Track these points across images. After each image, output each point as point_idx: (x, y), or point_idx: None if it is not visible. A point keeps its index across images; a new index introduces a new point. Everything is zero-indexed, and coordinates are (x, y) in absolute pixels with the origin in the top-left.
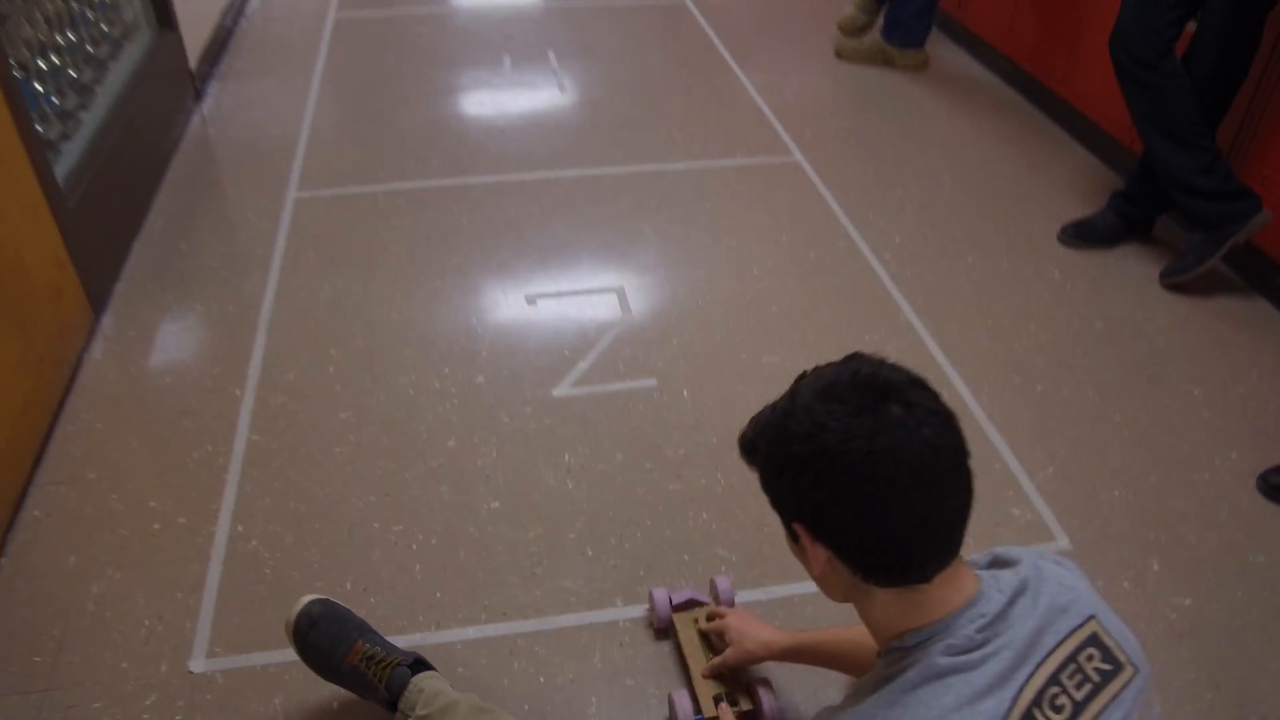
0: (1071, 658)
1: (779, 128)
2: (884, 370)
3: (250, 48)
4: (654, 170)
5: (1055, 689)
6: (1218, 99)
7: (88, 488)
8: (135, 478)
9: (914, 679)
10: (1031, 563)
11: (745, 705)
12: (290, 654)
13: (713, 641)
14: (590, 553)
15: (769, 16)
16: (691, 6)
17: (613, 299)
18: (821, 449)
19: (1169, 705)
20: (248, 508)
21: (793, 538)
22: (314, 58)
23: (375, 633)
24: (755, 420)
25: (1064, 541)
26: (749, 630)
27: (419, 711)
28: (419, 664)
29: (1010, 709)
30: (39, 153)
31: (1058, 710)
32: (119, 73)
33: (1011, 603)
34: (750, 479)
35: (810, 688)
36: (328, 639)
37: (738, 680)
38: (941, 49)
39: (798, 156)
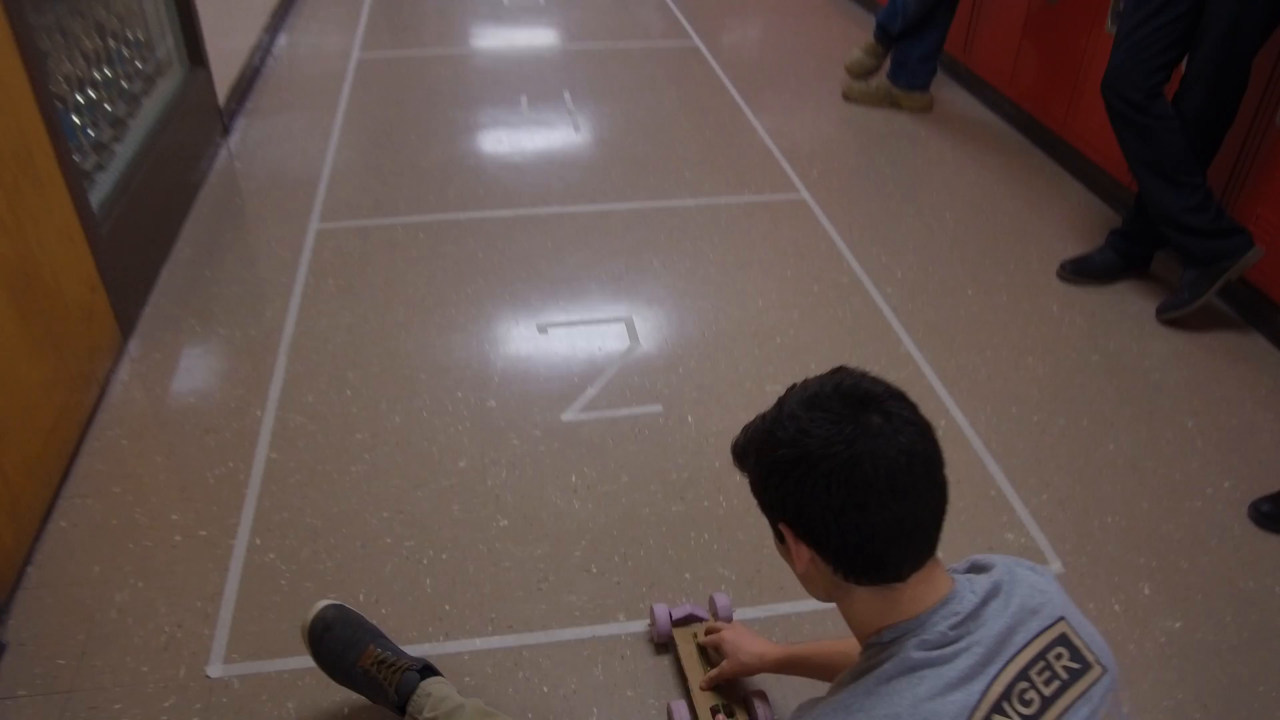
0: (1041, 655)
1: (787, 167)
2: (865, 382)
3: (276, 86)
4: (664, 206)
5: (1024, 684)
6: (1208, 139)
7: (113, 501)
8: (158, 492)
9: (890, 671)
10: (1005, 567)
11: (741, 717)
12: (303, 661)
13: (710, 655)
14: (594, 570)
15: (780, 60)
16: (705, 50)
17: (621, 328)
18: (804, 453)
19: None
20: (266, 522)
21: (779, 538)
22: (337, 96)
23: (386, 638)
24: (746, 428)
25: (1057, 565)
26: (744, 644)
27: (426, 714)
28: (427, 669)
29: (980, 701)
30: (76, 182)
31: (1027, 704)
32: (151, 107)
33: (984, 603)
34: (751, 503)
35: (804, 699)
36: (341, 642)
37: (734, 692)
38: (947, 91)
39: (804, 194)
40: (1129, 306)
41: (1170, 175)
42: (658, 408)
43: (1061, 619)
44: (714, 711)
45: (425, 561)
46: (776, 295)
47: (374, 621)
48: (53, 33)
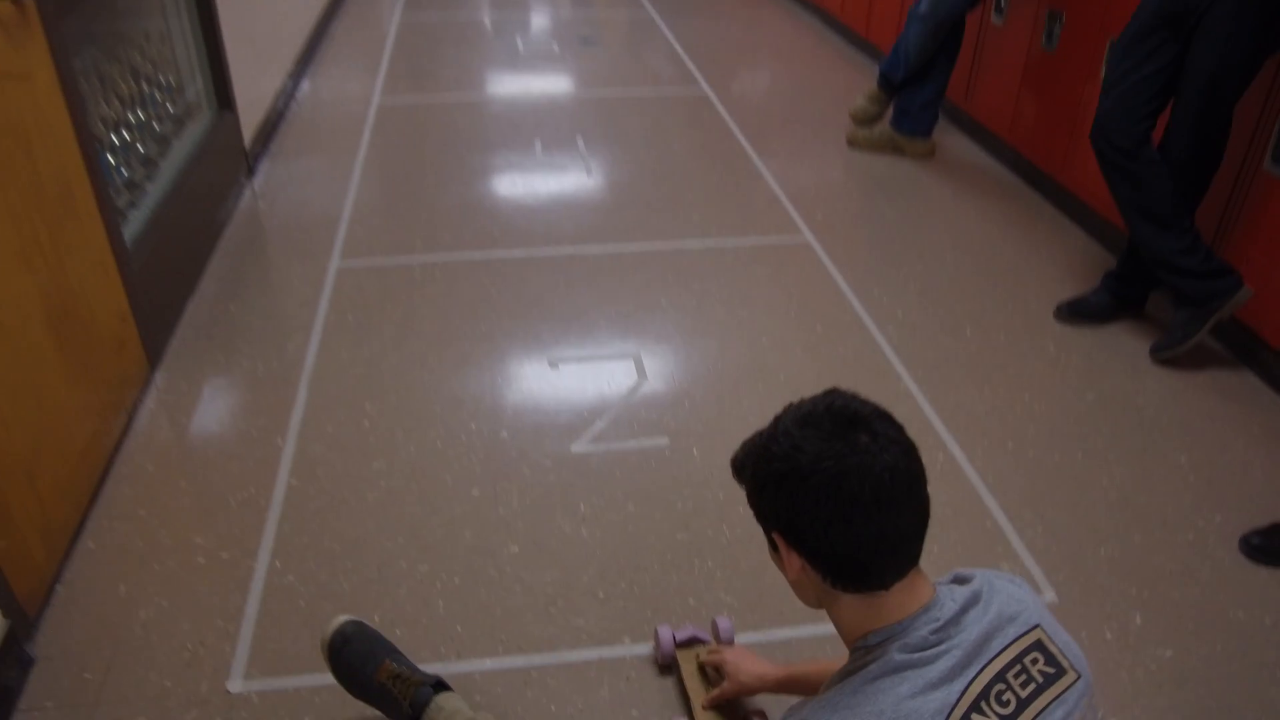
0: (1017, 659)
1: (792, 210)
2: (855, 403)
3: (299, 129)
4: (673, 248)
5: (1001, 685)
6: (1194, 184)
7: (139, 523)
8: (182, 515)
9: (874, 672)
10: (985, 578)
11: None
12: (320, 678)
13: (711, 676)
14: (601, 595)
15: (786, 108)
16: (714, 98)
17: (630, 364)
18: (796, 468)
19: None
20: (285, 545)
21: (772, 546)
22: (358, 139)
23: (402, 654)
24: (745, 444)
25: (1050, 595)
26: (745, 664)
27: None
28: (440, 685)
29: (959, 700)
30: (111, 218)
31: (1004, 704)
32: (181, 148)
33: (964, 610)
34: (753, 532)
35: None
36: (359, 656)
37: (735, 711)
38: (949, 137)
39: (809, 237)
40: (1124, 346)
41: (1160, 219)
42: (664, 440)
43: (1037, 626)
44: None
45: (438, 585)
46: (780, 334)
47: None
48: (90, 76)
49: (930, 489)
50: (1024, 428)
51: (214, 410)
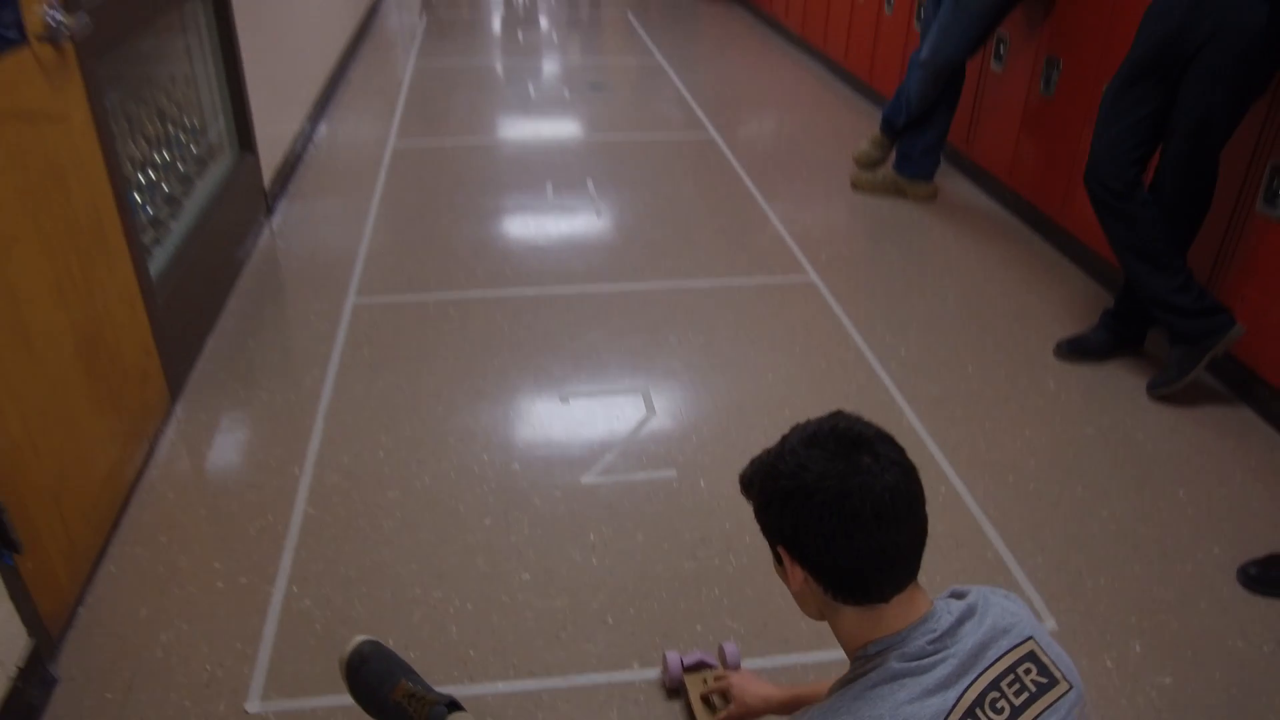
0: (1011, 669)
1: (797, 251)
2: (859, 425)
3: (317, 171)
4: (680, 287)
5: (995, 694)
6: (1184, 224)
7: (159, 549)
8: (202, 542)
9: (874, 679)
10: (980, 593)
11: None
12: (335, 699)
13: (716, 702)
14: (610, 621)
15: (791, 152)
16: (720, 142)
17: (638, 399)
18: (801, 485)
19: None
20: (302, 571)
21: (777, 560)
22: (374, 181)
23: (417, 674)
24: (753, 461)
25: (1051, 623)
26: (750, 687)
27: None
28: (454, 705)
29: (954, 705)
30: (139, 254)
31: (998, 711)
32: (203, 188)
33: (960, 622)
34: (760, 561)
35: None
36: (376, 675)
37: None
38: (950, 181)
39: (813, 277)
40: (1122, 383)
41: (1153, 258)
42: (672, 473)
43: (1030, 638)
44: None
45: (451, 610)
46: (785, 370)
47: None
48: (119, 117)
49: (932, 520)
50: (1024, 461)
51: (233, 441)
